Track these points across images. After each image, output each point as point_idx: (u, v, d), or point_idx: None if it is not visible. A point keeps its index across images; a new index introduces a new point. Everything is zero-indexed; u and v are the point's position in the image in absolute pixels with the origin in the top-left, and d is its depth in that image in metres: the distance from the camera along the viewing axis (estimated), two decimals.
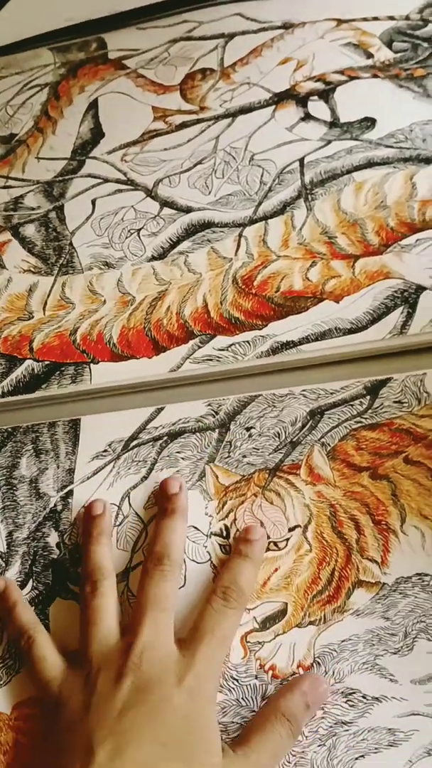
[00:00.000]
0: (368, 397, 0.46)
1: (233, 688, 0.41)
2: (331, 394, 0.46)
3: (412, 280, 0.48)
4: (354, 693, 0.40)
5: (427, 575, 0.41)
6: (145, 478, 0.47)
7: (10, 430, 0.51)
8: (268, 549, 0.44)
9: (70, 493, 0.48)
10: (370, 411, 0.46)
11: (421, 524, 0.42)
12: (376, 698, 0.39)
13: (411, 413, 0.45)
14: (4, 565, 0.48)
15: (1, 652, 0.46)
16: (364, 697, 0.40)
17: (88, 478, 0.48)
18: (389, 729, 0.39)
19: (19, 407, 0.51)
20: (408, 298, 0.47)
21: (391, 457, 0.44)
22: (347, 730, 0.39)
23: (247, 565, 0.42)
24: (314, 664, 0.41)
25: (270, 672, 0.41)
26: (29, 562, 0.47)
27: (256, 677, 0.41)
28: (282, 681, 0.41)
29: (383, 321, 0.47)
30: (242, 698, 0.41)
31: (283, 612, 0.42)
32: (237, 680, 0.41)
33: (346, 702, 0.40)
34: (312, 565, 0.43)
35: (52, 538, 0.47)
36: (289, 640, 0.42)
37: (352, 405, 0.46)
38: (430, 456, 0.44)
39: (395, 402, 0.45)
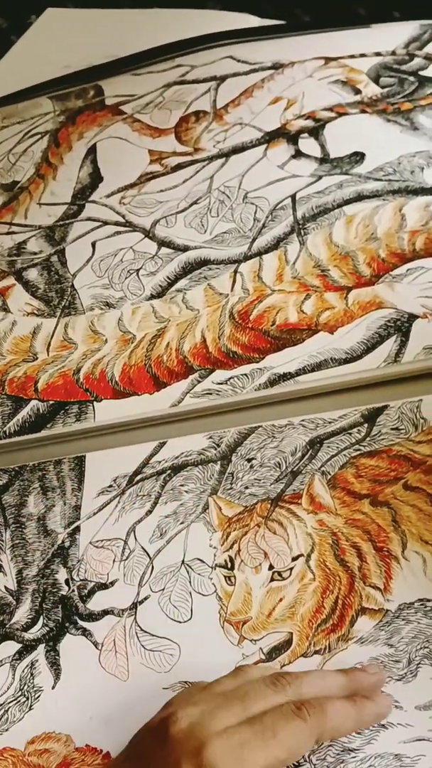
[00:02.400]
0: (366, 425, 0.47)
1: None
2: (330, 423, 0.47)
3: (404, 309, 0.49)
4: None
5: (429, 600, 0.41)
6: (149, 512, 0.48)
7: (17, 469, 0.52)
8: (272, 579, 0.44)
9: (77, 529, 0.49)
10: (368, 438, 0.46)
11: (422, 549, 0.43)
12: (382, 725, 0.39)
13: (408, 439, 0.46)
14: (15, 603, 0.49)
15: (13, 691, 0.46)
16: None
17: (95, 514, 0.49)
18: (396, 755, 0.39)
19: (26, 447, 0.52)
20: (401, 326, 0.48)
21: (391, 483, 0.45)
22: (354, 757, 0.39)
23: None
24: None
25: None
26: (39, 599, 0.48)
27: None
28: None
29: (377, 350, 0.48)
30: None
31: (288, 642, 0.43)
32: None
33: None
34: (316, 593, 0.43)
35: (61, 575, 0.48)
36: (294, 670, 0.42)
37: (350, 433, 0.47)
38: (429, 481, 0.44)
39: (393, 429, 0.46)
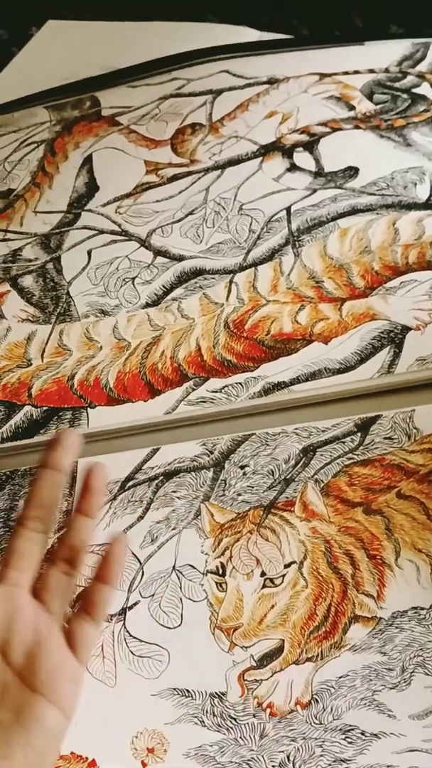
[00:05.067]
0: (359, 434, 0.47)
1: (231, 727, 0.41)
2: (323, 431, 0.48)
3: (397, 321, 0.49)
4: (352, 729, 0.40)
5: (422, 608, 0.42)
6: (141, 517, 0.48)
7: (8, 473, 0.52)
8: (264, 586, 0.44)
9: None
10: (361, 447, 0.47)
11: (416, 558, 0.43)
12: (375, 735, 0.39)
13: (401, 449, 0.46)
14: None
15: None
16: (362, 733, 0.40)
17: None
18: (388, 766, 0.39)
19: (19, 452, 0.52)
20: (394, 338, 0.49)
21: (384, 492, 0.45)
22: None
23: None
24: (312, 701, 0.41)
25: (268, 710, 0.41)
26: None
27: (254, 716, 0.41)
28: (280, 719, 0.41)
29: (371, 361, 0.49)
30: (240, 737, 0.41)
31: (280, 649, 0.43)
32: (235, 719, 0.41)
33: (344, 739, 0.40)
34: (308, 601, 0.43)
35: None
36: (286, 677, 0.42)
37: (343, 442, 0.47)
38: (423, 490, 0.45)
39: (386, 438, 0.46)
